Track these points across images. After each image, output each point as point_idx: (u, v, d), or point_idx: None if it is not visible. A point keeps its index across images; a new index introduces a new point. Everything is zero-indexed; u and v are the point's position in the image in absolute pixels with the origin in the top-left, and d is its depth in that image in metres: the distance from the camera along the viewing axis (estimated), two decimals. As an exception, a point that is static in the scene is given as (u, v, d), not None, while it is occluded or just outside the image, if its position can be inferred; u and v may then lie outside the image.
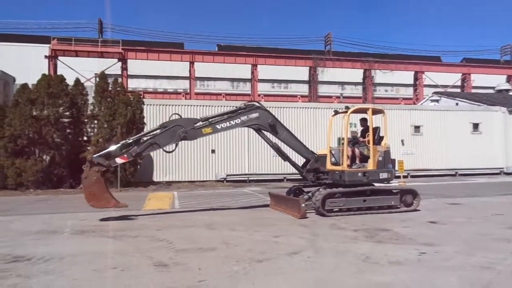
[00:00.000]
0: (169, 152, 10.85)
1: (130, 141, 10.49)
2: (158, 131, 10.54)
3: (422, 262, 5.91)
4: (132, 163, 17.75)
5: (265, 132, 11.25)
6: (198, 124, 10.67)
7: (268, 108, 11.66)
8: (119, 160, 10.18)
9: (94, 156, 10.25)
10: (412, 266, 5.69)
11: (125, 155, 10.15)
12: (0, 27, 45.90)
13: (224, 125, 10.77)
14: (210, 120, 10.81)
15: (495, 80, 47.15)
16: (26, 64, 43.07)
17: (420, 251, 6.48)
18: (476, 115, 27.66)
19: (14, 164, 18.11)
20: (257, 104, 11.46)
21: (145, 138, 10.56)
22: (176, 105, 22.76)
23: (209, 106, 23.12)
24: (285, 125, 11.71)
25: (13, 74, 21.87)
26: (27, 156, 18.40)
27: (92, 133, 20.01)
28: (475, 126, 27.25)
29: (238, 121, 10.85)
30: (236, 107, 11.30)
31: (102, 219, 10.07)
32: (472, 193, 15.90)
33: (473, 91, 45.31)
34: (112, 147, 10.34)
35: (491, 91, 43.71)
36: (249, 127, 11.47)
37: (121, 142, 10.57)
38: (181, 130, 10.34)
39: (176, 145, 10.63)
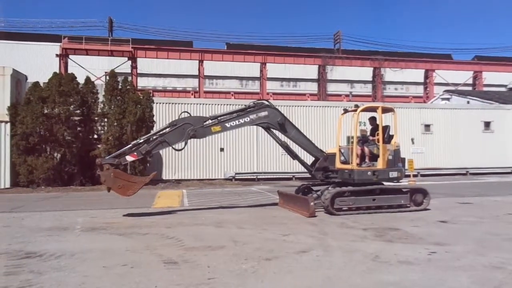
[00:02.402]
0: (178, 150, 10.90)
1: (141, 140, 10.55)
2: (167, 129, 10.59)
3: (432, 261, 5.87)
4: (142, 161, 17.85)
5: (274, 131, 11.24)
6: (207, 122, 10.70)
7: (277, 107, 11.64)
8: (129, 158, 10.25)
9: (104, 159, 10.38)
10: (422, 266, 5.65)
11: (135, 153, 10.22)
12: (12, 26, 46.40)
13: (233, 123, 10.77)
14: (219, 118, 10.82)
15: (507, 78, 46.44)
16: (38, 62, 43.59)
17: (430, 250, 6.44)
18: (487, 114, 27.30)
19: (26, 161, 18.33)
20: (266, 102, 11.45)
21: (154, 137, 10.61)
22: (185, 103, 22.80)
23: (218, 104, 23.12)
24: (294, 123, 11.70)
25: (25, 72, 22.03)
26: (38, 153, 18.60)
27: (102, 131, 20.15)
28: (487, 124, 26.90)
29: (247, 119, 10.86)
30: (245, 105, 11.29)
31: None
32: (483, 192, 15.72)
33: (485, 89, 44.73)
34: (123, 149, 10.50)
35: (503, 89, 43.12)
36: (258, 126, 11.47)
37: (132, 142, 10.67)
38: (190, 129, 10.38)
39: (186, 143, 10.67)
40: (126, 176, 10.30)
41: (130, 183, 10.09)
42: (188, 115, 10.96)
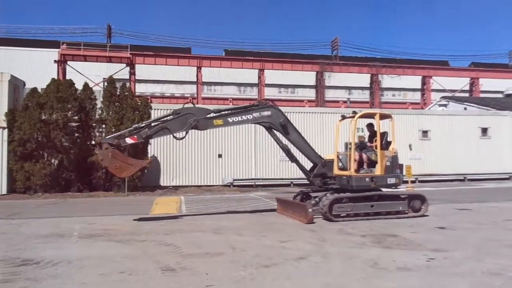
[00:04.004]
0: (178, 139, 10.87)
1: (143, 125, 10.49)
2: (170, 117, 10.55)
3: (431, 268, 5.85)
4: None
5: (275, 132, 11.27)
6: (210, 115, 10.72)
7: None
8: (129, 140, 10.14)
9: (104, 138, 10.29)
10: (421, 272, 5.64)
11: (135, 136, 10.17)
12: (11, 32, 46.45)
13: (235, 119, 10.81)
14: (222, 112, 10.87)
15: (503, 84, 46.71)
16: (36, 68, 43.59)
17: (429, 257, 6.43)
18: (484, 120, 27.42)
19: (23, 167, 18.24)
20: (270, 102, 11.54)
21: (156, 123, 10.56)
22: (183, 109, 22.76)
23: (216, 110, 23.11)
24: (293, 129, 11.71)
25: (23, 78, 22.00)
26: (36, 159, 18.53)
27: (100, 137, 20.11)
28: (484, 130, 26.99)
29: (250, 116, 10.89)
30: (249, 103, 11.38)
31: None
32: (481, 198, 15.73)
33: (482, 95, 44.99)
34: (123, 131, 10.42)
35: (499, 95, 43.35)
36: (260, 124, 11.49)
37: (134, 125, 10.62)
38: (193, 119, 10.37)
39: (187, 133, 10.65)
40: (124, 157, 10.20)
41: (127, 165, 10.06)
42: (192, 106, 10.98)
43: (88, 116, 19.96)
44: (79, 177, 19.19)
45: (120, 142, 10.07)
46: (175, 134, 10.58)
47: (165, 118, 10.60)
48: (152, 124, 10.49)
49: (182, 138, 10.92)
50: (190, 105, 10.89)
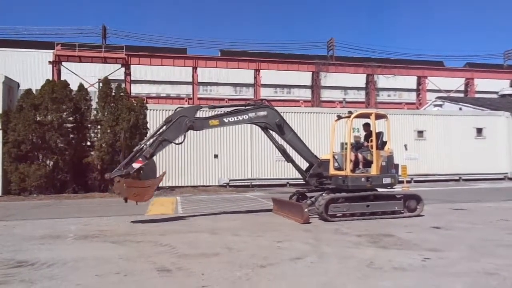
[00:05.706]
0: (178, 143, 10.91)
1: (142, 146, 10.55)
2: (164, 127, 10.57)
3: (426, 268, 5.87)
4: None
5: (271, 132, 11.29)
6: (202, 109, 10.82)
7: (272, 112, 11.69)
8: (135, 165, 10.18)
9: (111, 173, 10.24)
10: (416, 272, 5.66)
11: (140, 159, 10.19)
12: (5, 33, 46.16)
13: (231, 119, 10.84)
14: (218, 113, 10.95)
15: (498, 84, 47.03)
16: (31, 69, 43.40)
17: (424, 256, 6.45)
18: (479, 120, 27.54)
19: (18, 169, 18.15)
20: (266, 102, 11.57)
21: (153, 139, 10.56)
22: (179, 110, 22.74)
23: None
24: (289, 129, 11.73)
25: (17, 79, 21.89)
26: (31, 161, 18.42)
27: (95, 138, 20.02)
28: (479, 131, 27.11)
29: (245, 117, 10.92)
30: (245, 102, 11.45)
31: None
32: (476, 198, 15.80)
33: (477, 96, 45.19)
34: (127, 159, 10.37)
35: (494, 96, 43.60)
36: (256, 125, 11.53)
37: (134, 149, 10.70)
38: (188, 119, 10.40)
39: (184, 136, 10.68)
40: (139, 182, 10.28)
41: (144, 189, 10.14)
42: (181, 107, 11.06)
43: (83, 117, 19.88)
44: (75, 178, 19.11)
45: (129, 171, 10.09)
46: (174, 141, 10.60)
47: (160, 130, 10.63)
48: (150, 140, 10.54)
49: (181, 143, 10.93)
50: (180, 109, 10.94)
